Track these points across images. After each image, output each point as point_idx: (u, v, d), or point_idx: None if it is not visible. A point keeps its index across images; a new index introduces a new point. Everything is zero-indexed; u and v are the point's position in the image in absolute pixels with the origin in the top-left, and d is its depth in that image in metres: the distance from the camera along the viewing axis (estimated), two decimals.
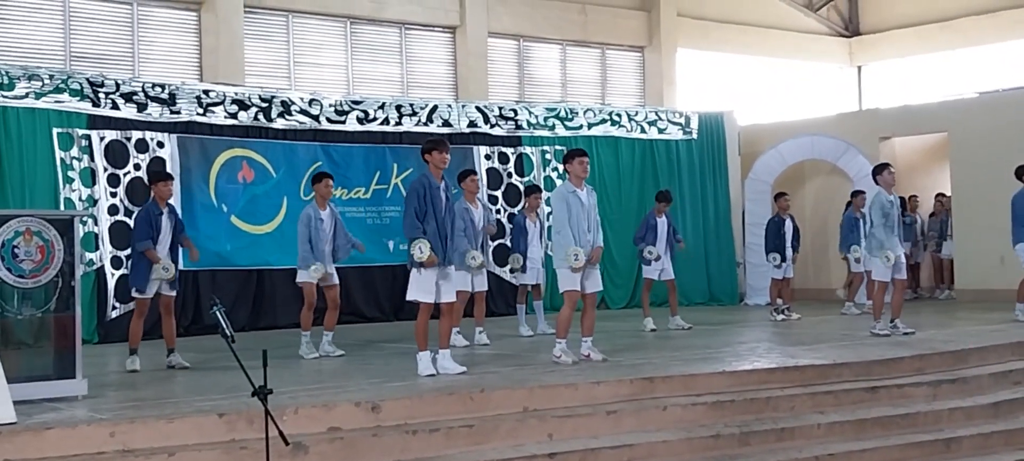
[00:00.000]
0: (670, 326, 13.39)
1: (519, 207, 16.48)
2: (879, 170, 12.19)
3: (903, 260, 12.07)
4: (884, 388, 9.06)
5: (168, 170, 13.64)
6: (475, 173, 12.29)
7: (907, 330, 11.76)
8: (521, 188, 16.87)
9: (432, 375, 8.92)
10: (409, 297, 9.18)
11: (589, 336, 9.85)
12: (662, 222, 13.64)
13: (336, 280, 11.18)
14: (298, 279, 11.15)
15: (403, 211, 9.38)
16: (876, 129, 18.73)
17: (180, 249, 10.63)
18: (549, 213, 13.97)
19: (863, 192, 15.17)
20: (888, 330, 11.75)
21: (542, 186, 16.25)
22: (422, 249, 8.91)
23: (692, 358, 10.05)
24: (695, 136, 19.07)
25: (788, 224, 14.86)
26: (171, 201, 10.57)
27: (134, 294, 10.40)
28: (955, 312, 15.33)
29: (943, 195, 18.67)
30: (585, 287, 9.78)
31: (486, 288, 12.35)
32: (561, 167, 14.31)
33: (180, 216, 10.91)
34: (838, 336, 12.07)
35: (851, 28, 25.04)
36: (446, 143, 9.35)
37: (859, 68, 25.17)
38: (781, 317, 14.42)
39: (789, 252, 14.80)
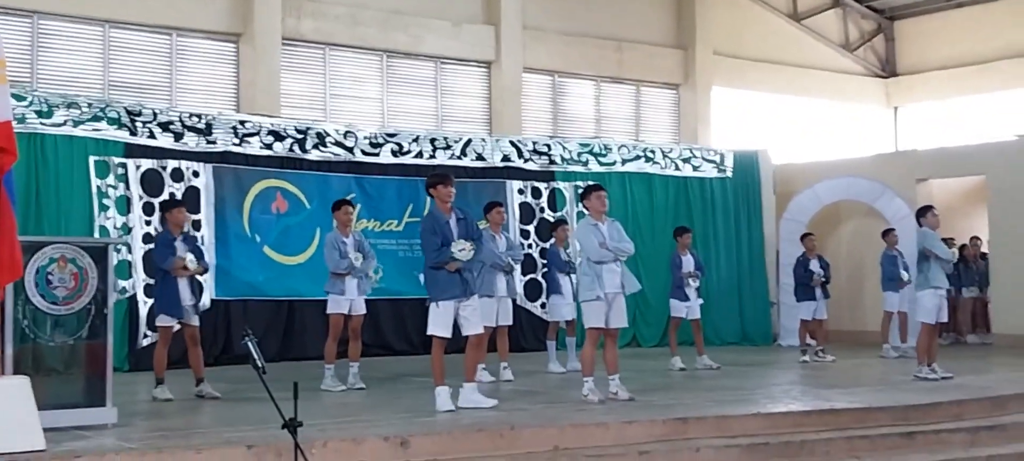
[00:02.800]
0: (697, 366, 13.27)
1: (550, 242, 16.45)
2: (923, 212, 12.08)
3: (945, 302, 11.91)
4: (921, 433, 8.91)
5: (202, 200, 13.94)
6: (501, 205, 12.48)
7: (945, 374, 11.57)
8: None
9: (450, 411, 8.85)
10: (429, 331, 9.17)
11: (615, 373, 9.76)
12: (687, 260, 13.60)
13: (362, 310, 11.20)
14: (328, 309, 11.19)
15: (422, 248, 9.40)
16: (913, 171, 18.55)
17: (202, 280, 10.73)
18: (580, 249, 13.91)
19: (893, 229, 15.37)
20: (931, 374, 11.56)
21: (575, 221, 16.18)
22: (463, 248, 8.88)
23: (725, 399, 9.93)
24: (730, 174, 18.97)
25: (814, 263, 14.79)
26: (191, 230, 10.70)
27: (157, 322, 10.44)
28: (992, 357, 15.11)
29: (977, 238, 18.43)
30: (610, 321, 9.70)
31: (510, 322, 12.31)
32: None
33: (197, 243, 11.12)
34: (875, 379, 11.91)
35: (888, 69, 24.88)
36: (451, 177, 9.35)
37: (896, 109, 24.99)
38: (805, 358, 14.26)
39: (819, 293, 14.70)
